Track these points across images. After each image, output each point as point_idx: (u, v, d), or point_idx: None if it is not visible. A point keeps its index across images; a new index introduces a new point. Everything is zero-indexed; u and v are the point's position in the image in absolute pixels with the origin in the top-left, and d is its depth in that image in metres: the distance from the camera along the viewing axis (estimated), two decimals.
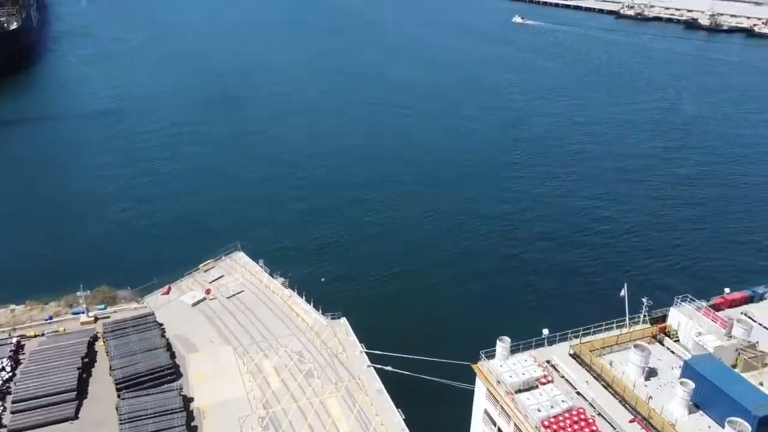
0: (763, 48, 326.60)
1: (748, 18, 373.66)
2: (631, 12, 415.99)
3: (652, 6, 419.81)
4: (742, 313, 57.20)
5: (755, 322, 56.06)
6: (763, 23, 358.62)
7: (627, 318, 53.82)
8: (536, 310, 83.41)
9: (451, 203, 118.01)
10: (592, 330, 52.69)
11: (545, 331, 50.90)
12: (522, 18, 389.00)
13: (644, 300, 53.48)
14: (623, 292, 53.44)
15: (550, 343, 51.86)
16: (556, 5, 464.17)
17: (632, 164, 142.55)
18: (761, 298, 58.95)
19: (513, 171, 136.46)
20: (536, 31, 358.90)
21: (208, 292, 78.58)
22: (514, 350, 49.89)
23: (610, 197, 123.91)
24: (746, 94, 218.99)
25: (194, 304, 76.73)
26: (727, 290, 58.90)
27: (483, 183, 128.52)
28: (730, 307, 57.48)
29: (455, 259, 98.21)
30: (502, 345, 48.39)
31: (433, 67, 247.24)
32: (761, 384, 47.60)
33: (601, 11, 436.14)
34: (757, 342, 50.60)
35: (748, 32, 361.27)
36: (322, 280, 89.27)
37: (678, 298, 53.90)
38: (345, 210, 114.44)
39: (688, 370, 45.08)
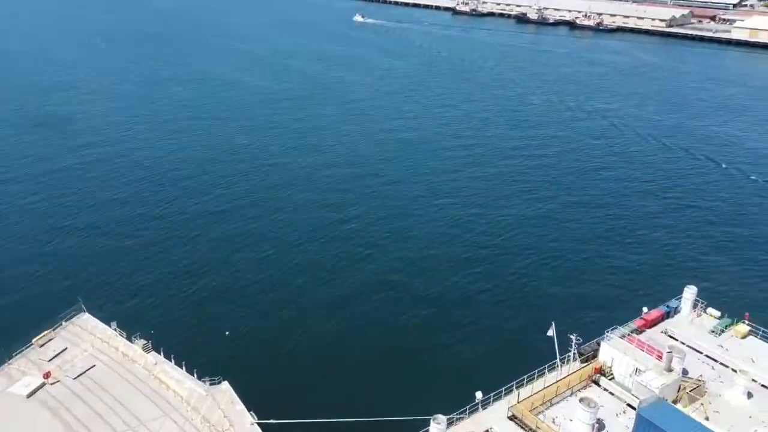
0: (584, 39, 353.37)
1: (569, 11, 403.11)
2: (466, 8, 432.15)
3: (485, 2, 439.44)
4: (662, 332, 54.77)
5: (677, 340, 53.77)
6: (583, 16, 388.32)
7: (558, 360, 48.70)
8: (459, 362, 70.83)
9: (324, 226, 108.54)
10: (525, 381, 46.79)
11: (478, 395, 44.04)
12: (363, 17, 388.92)
13: (573, 337, 48.71)
14: (551, 332, 48.21)
15: (485, 406, 45.12)
16: (395, 3, 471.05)
17: (500, 167, 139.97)
18: (675, 311, 57.01)
19: (379, 183, 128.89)
20: (378, 29, 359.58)
21: (47, 375, 62.87)
22: (448, 422, 42.37)
23: (493, 210, 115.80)
24: (580, 84, 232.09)
25: (30, 395, 60.89)
26: (645, 309, 56.19)
27: (349, 199, 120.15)
28: (651, 327, 54.82)
29: (343, 298, 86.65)
30: (438, 426, 40.61)
31: (278, 72, 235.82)
32: (707, 419, 44.47)
33: (438, 8, 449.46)
34: (700, 376, 47.69)
35: (571, 24, 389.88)
36: (227, 333, 75.93)
37: (608, 332, 49.77)
38: (205, 241, 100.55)
39: (642, 424, 40.37)
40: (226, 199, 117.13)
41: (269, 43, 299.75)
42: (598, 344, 50.82)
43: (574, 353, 49.05)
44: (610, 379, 47.97)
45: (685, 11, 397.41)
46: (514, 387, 46.26)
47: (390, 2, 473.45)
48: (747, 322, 55.02)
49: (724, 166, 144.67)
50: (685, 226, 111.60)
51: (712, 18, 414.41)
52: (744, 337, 54.10)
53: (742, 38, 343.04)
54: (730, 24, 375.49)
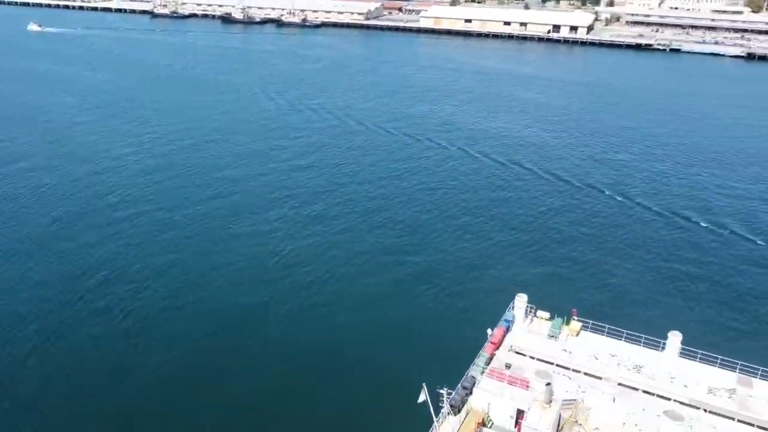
0: (293, 36, 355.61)
1: (274, 9, 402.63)
2: (165, 11, 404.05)
3: (185, 3, 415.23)
4: (509, 350, 51.65)
5: (526, 356, 51.13)
6: (288, 13, 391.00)
7: (435, 424, 41.86)
8: None
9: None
10: None
11: None
12: (40, 26, 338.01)
13: (443, 392, 42.30)
14: (423, 396, 41.10)
15: None
16: (81, 8, 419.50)
17: (253, 188, 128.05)
18: (513, 323, 54.51)
19: (120, 227, 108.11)
20: (63, 38, 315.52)
21: None
22: None
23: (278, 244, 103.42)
24: (302, 82, 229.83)
25: None
26: (489, 331, 52.42)
27: (82, 251, 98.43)
28: (498, 348, 51.31)
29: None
30: None
31: None
32: None
33: (134, 11, 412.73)
34: (580, 400, 44.90)
35: (278, 22, 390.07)
36: None
37: (471, 375, 44.37)
38: None
39: None
40: None
41: None
42: (464, 388, 45.40)
43: (448, 409, 42.83)
44: (490, 427, 42.95)
45: (378, 4, 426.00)
46: None
47: (74, 7, 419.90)
48: (576, 318, 55.03)
49: (454, 147, 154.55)
50: (457, 221, 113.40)
51: (400, 9, 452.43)
52: (578, 334, 53.94)
53: (429, 26, 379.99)
54: (416, 14, 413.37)
